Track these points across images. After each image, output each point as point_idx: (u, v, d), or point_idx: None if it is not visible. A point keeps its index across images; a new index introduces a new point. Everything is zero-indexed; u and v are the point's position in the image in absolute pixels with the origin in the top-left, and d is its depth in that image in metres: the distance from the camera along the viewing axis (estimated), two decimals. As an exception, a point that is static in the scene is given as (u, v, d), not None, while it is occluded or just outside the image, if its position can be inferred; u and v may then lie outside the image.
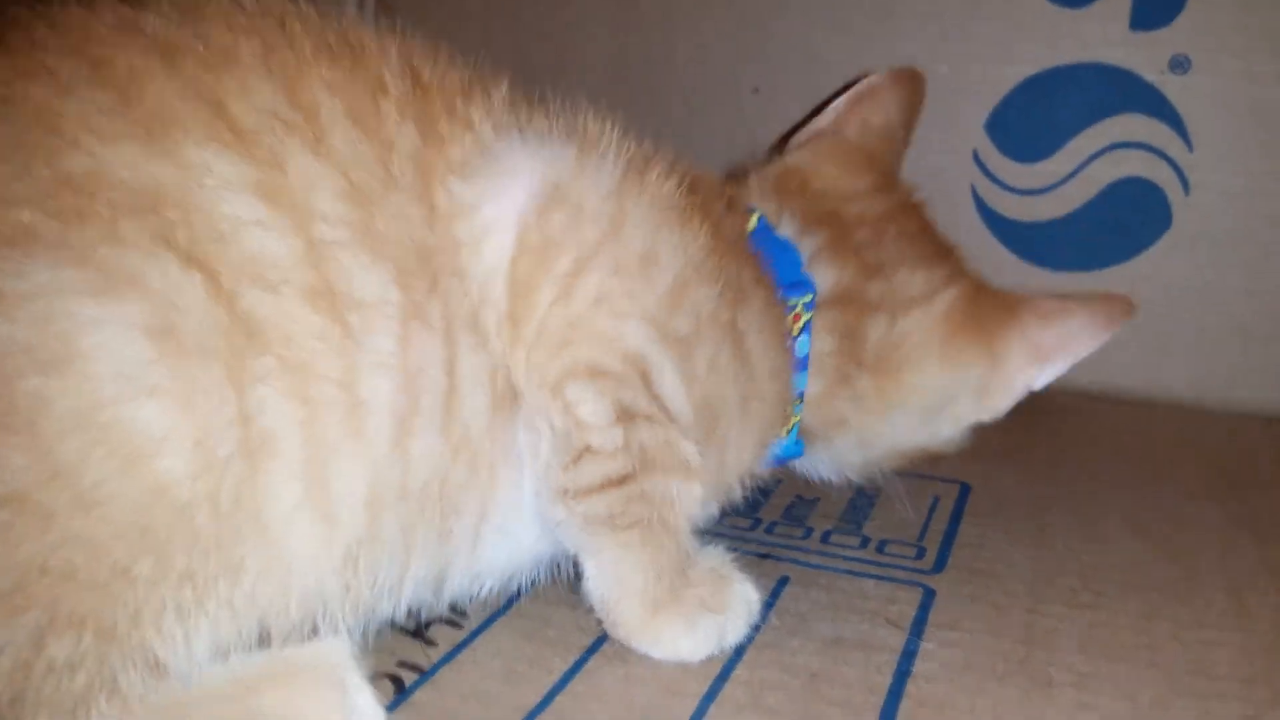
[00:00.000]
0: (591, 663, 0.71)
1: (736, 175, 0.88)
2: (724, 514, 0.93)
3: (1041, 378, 0.83)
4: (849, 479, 0.90)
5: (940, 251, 0.85)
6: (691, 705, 0.66)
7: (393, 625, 0.74)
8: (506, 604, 0.78)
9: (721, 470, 0.74)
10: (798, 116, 0.98)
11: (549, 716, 0.65)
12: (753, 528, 0.91)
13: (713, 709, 0.66)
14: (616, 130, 0.68)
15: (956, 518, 0.94)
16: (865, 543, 0.89)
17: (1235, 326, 1.20)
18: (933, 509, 0.95)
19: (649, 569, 0.70)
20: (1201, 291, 1.21)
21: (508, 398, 0.66)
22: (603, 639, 0.73)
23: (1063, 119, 1.23)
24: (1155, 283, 1.22)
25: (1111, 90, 1.20)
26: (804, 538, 0.90)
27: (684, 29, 1.35)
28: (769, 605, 0.78)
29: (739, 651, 0.72)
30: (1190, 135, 1.18)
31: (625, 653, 0.71)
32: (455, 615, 0.76)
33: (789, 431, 0.81)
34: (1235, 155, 1.18)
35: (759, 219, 0.81)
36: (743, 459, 0.75)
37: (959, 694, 0.68)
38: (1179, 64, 1.17)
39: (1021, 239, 1.26)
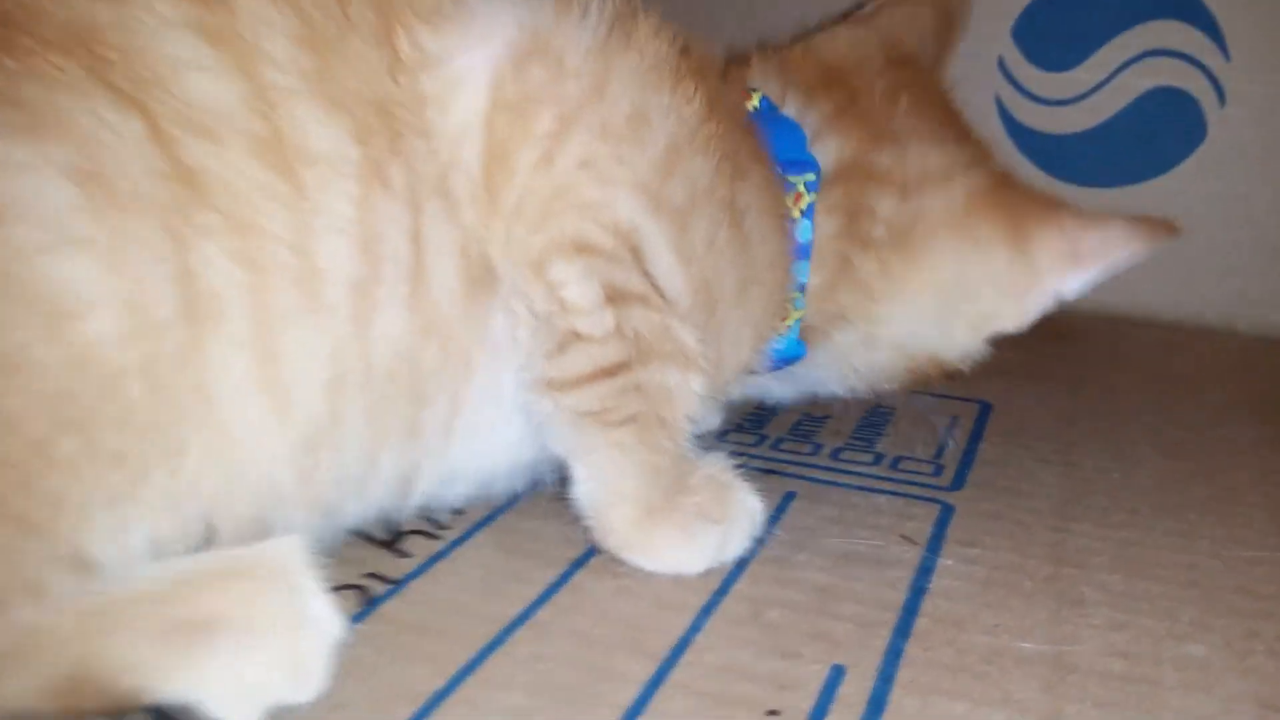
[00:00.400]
0: (579, 576, 0.65)
1: (737, 60, 0.80)
2: (726, 430, 0.87)
3: (1073, 282, 0.75)
4: (856, 392, 0.82)
5: (963, 134, 0.78)
6: (687, 619, 0.60)
7: (364, 536, 0.68)
8: (488, 517, 0.72)
9: (719, 365, 0.67)
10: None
11: (528, 629, 0.59)
12: (757, 444, 0.85)
13: (709, 623, 0.60)
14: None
15: (977, 436, 0.87)
16: (879, 459, 0.83)
17: (1271, 247, 1.14)
18: (950, 427, 0.89)
19: (644, 471, 0.63)
20: (1236, 209, 1.14)
21: (484, 276, 0.60)
22: (591, 553, 0.66)
23: (1093, 25, 1.15)
24: (1188, 199, 1.15)
25: (1145, -6, 1.13)
26: (812, 454, 0.83)
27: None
28: (774, 520, 0.72)
29: (741, 565, 0.66)
30: (1227, 42, 1.11)
31: (616, 566, 0.65)
32: (433, 527, 0.70)
33: (789, 328, 0.74)
34: (1275, 64, 1.10)
35: (761, 98, 0.74)
36: (741, 353, 0.69)
37: (982, 610, 0.62)
38: (1218, -34, 1.10)
39: (1047, 152, 1.19)
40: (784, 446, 0.85)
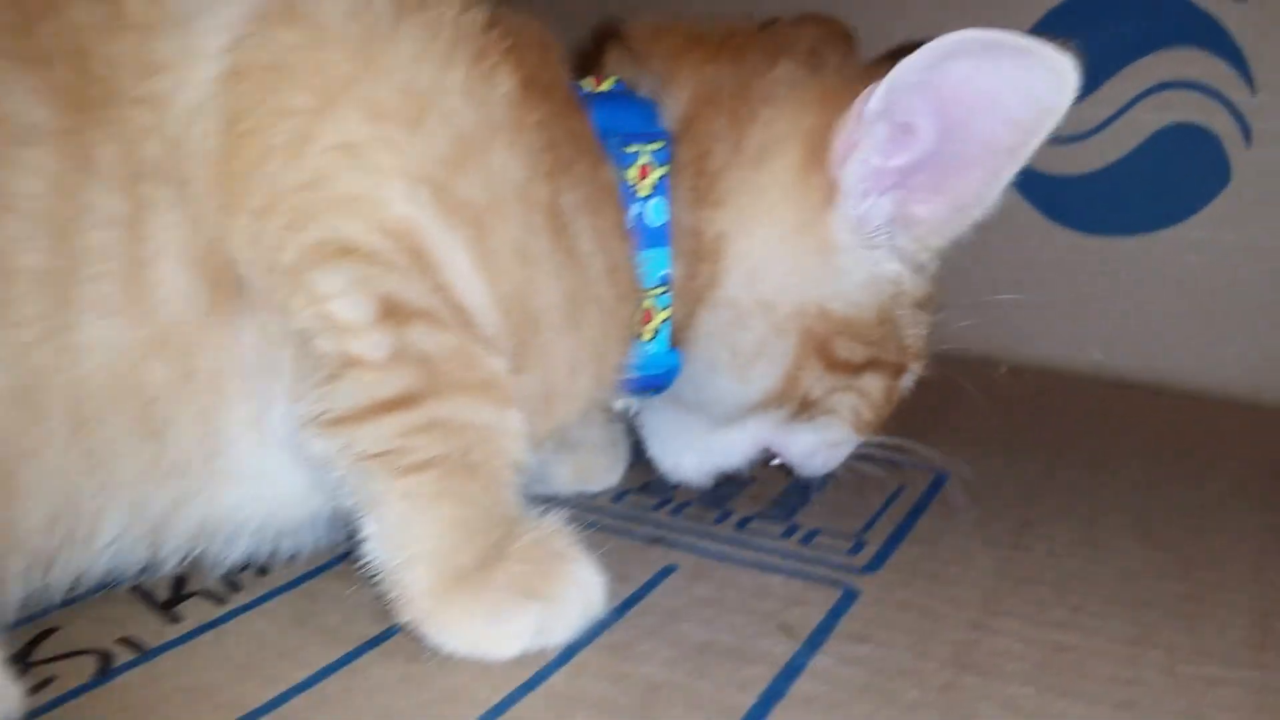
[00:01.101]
0: (368, 657, 0.54)
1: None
2: (626, 490, 0.75)
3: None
4: (765, 393, 0.66)
5: (811, 54, 0.66)
6: (468, 717, 0.48)
7: (142, 593, 0.58)
8: (296, 579, 0.61)
9: (549, 398, 0.56)
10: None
11: (266, 723, 0.48)
12: (657, 507, 0.73)
13: (496, 726, 0.48)
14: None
15: (919, 509, 0.74)
16: (791, 532, 0.70)
17: (1305, 306, 0.99)
18: (893, 497, 0.76)
19: (447, 528, 0.53)
20: (1264, 262, 0.99)
21: (232, 283, 0.50)
22: (397, 630, 0.55)
23: (1102, 53, 1.02)
24: (1209, 250, 1.01)
25: (1160, 19, 1.00)
26: (717, 522, 0.71)
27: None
28: (636, 598, 0.60)
29: (569, 652, 0.55)
30: (1253, 74, 0.97)
31: (418, 647, 0.54)
32: (224, 588, 0.60)
33: (655, 335, 0.63)
34: (1309, 98, 0.96)
35: (615, 82, 0.63)
36: (578, 384, 0.58)
37: (839, 727, 0.49)
38: (1243, -13, 0.97)
39: (1050, 195, 1.06)
40: (687, 512, 0.73)
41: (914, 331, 0.67)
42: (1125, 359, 1.05)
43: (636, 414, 0.73)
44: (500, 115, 0.52)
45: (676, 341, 0.64)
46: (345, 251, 0.48)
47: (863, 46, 0.88)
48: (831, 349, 0.63)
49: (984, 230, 1.06)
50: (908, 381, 0.71)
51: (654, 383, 0.65)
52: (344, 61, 0.48)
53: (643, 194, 0.60)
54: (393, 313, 0.49)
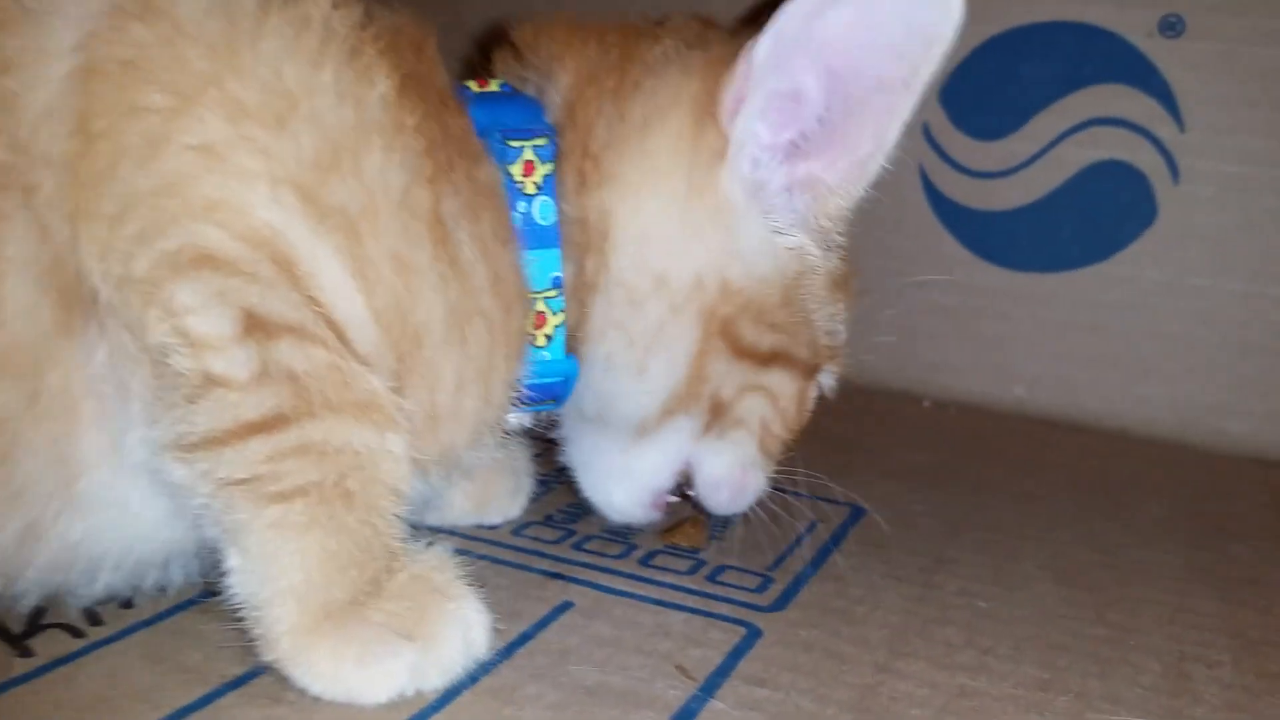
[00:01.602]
0: (226, 700, 0.50)
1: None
2: (529, 522, 0.72)
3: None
4: (671, 393, 0.63)
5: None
6: (329, 768, 0.45)
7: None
8: (160, 614, 0.58)
9: (434, 420, 0.53)
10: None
11: (102, 770, 0.44)
12: (560, 540, 0.70)
13: (351, 776, 0.45)
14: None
15: (832, 544, 0.72)
16: (698, 568, 0.67)
17: (1231, 345, 0.98)
18: (807, 532, 0.73)
19: (317, 562, 0.49)
20: (1191, 301, 0.99)
21: (83, 298, 0.46)
22: (262, 670, 0.51)
23: (1030, 88, 1.02)
24: (1135, 289, 1.00)
25: (1089, 55, 0.99)
26: (620, 556, 0.68)
27: None
28: (526, 637, 0.57)
29: (448, 696, 0.51)
30: (1181, 111, 0.97)
31: (285, 689, 0.50)
32: (84, 622, 0.56)
33: (549, 341, 0.60)
34: (1234, 136, 0.96)
35: (501, 85, 0.61)
36: (465, 403, 0.54)
37: (726, 777, 0.46)
38: (1170, 25, 0.96)
39: (977, 231, 1.04)
40: (589, 546, 0.69)
41: (827, 324, 0.64)
42: (1049, 395, 1.03)
43: (563, 449, 0.69)
44: (376, 116, 0.49)
45: (572, 347, 0.61)
46: (204, 261, 0.45)
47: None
48: (735, 330, 0.60)
49: (908, 264, 1.06)
50: (828, 382, 0.68)
51: (552, 392, 0.62)
52: (202, 58, 0.45)
53: (528, 192, 0.58)
54: (257, 327, 0.46)
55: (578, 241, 0.59)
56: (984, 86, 1.03)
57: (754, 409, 0.63)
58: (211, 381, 0.46)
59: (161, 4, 0.45)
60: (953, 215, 1.05)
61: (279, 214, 0.46)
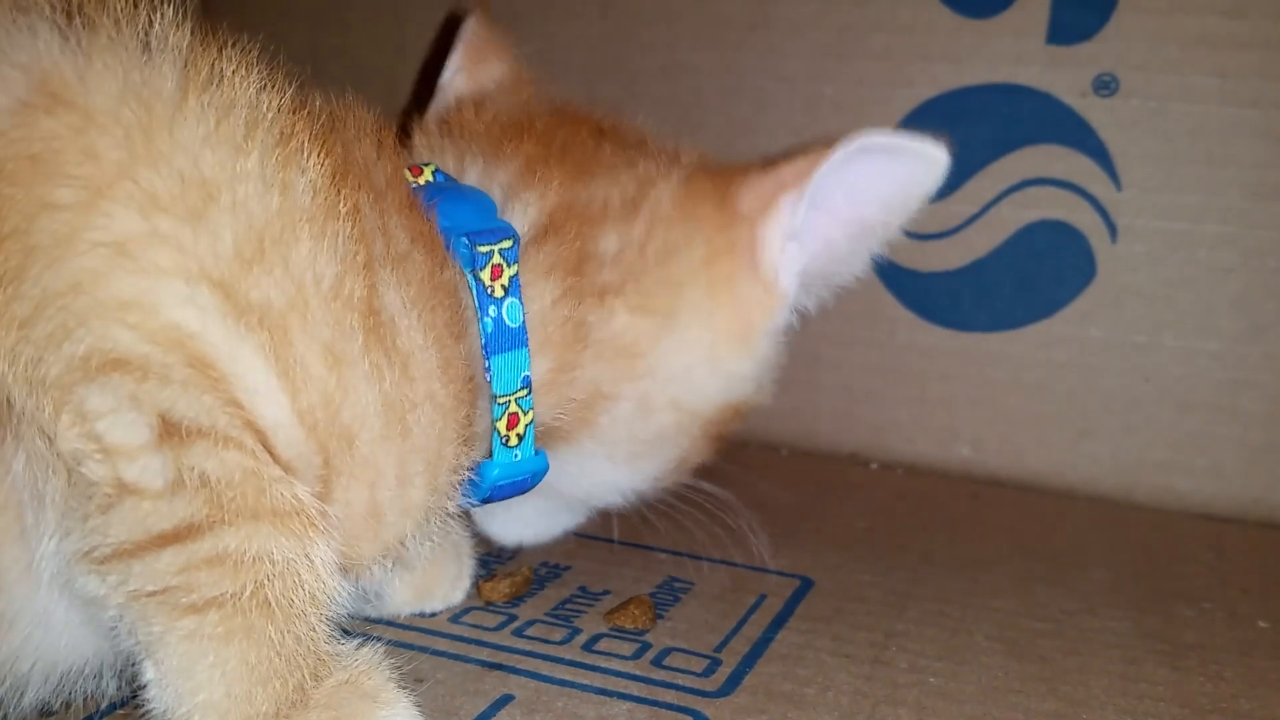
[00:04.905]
0: (148, 815, 0.48)
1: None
2: (468, 608, 0.70)
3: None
4: (638, 497, 0.72)
5: (656, 145, 0.69)
6: None
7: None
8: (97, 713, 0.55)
9: (375, 516, 0.51)
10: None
11: None
12: (501, 626, 0.68)
13: None
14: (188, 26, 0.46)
15: (780, 621, 0.71)
16: (643, 651, 0.66)
17: (1174, 402, 0.98)
18: (754, 607, 0.72)
19: (236, 674, 0.47)
20: (1132, 359, 0.99)
21: (1, 406, 0.44)
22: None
23: (967, 148, 1.01)
24: (1076, 347, 1.00)
25: (1024, 116, 1.00)
26: (564, 642, 0.67)
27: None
28: (465, 735, 0.55)
29: (380, 806, 0.49)
30: (1118, 170, 0.98)
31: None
32: (0, 734, 0.53)
33: (521, 441, 0.60)
34: (1170, 194, 0.97)
35: (435, 171, 0.60)
36: (410, 495, 0.53)
37: None
38: (1104, 84, 0.97)
39: (915, 290, 1.04)
40: (531, 631, 0.68)
41: None
42: (994, 455, 1.03)
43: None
44: (304, 203, 0.47)
45: (544, 441, 0.62)
46: (115, 364, 0.43)
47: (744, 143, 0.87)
48: (725, 430, 0.68)
49: (851, 326, 1.06)
50: None
51: (521, 489, 0.62)
52: (115, 149, 0.43)
53: (497, 295, 0.57)
54: (171, 433, 0.44)
55: (561, 341, 0.60)
56: (921, 148, 1.03)
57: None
58: (124, 490, 0.44)
59: (72, 95, 0.43)
60: (894, 276, 1.05)
61: (194, 313, 0.44)
